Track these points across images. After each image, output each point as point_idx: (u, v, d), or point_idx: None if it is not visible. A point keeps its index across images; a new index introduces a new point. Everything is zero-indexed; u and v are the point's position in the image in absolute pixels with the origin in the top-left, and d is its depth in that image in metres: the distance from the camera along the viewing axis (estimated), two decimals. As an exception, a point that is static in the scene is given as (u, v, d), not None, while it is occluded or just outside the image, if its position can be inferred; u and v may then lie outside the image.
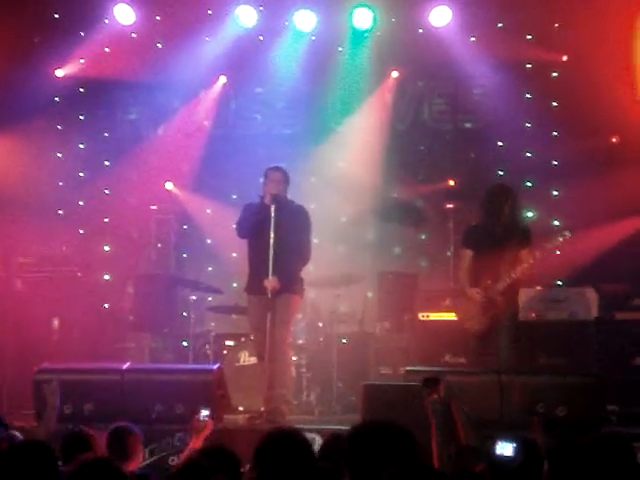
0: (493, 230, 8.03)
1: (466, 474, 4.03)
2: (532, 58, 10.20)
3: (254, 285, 7.82)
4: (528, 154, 10.25)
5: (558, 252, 8.66)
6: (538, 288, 9.04)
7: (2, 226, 9.98)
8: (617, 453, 3.84)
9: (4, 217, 9.97)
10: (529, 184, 10.22)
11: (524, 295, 8.52)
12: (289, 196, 7.93)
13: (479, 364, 7.89)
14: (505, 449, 3.76)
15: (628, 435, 5.78)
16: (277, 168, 7.97)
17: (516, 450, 3.73)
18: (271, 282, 7.58)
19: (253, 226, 7.77)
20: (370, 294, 10.11)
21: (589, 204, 9.55)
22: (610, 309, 8.66)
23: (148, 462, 5.82)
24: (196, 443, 5.31)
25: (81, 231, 10.60)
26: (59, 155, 10.80)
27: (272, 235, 7.50)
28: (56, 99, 10.57)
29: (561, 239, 7.81)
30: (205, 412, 5.51)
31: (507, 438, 3.78)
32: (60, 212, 10.65)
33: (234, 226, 7.97)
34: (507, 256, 7.88)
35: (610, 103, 9.34)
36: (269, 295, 7.58)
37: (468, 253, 8.15)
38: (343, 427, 6.47)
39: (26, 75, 9.80)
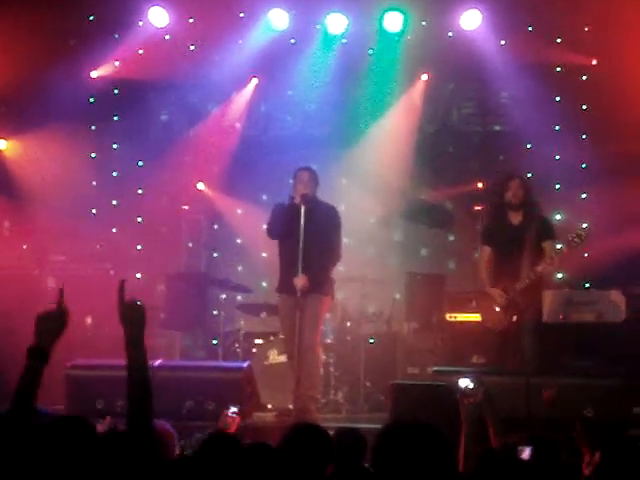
0: (511, 222, 8.05)
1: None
2: (562, 61, 10.22)
3: (284, 284, 7.91)
4: (557, 157, 10.27)
5: (586, 254, 8.73)
6: (565, 290, 9.08)
7: (36, 225, 10.15)
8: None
9: (38, 216, 10.14)
10: (558, 187, 10.26)
11: (551, 297, 8.55)
12: (319, 197, 8.00)
13: (500, 364, 7.92)
14: (524, 452, 3.83)
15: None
16: (306, 168, 8.04)
17: (533, 453, 3.78)
18: (300, 280, 7.64)
19: (283, 226, 7.83)
20: (398, 295, 10.17)
21: (617, 207, 9.56)
22: (638, 311, 8.68)
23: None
24: None
25: (114, 230, 10.73)
26: (93, 155, 10.93)
27: (302, 235, 7.58)
28: (91, 100, 10.70)
29: (576, 238, 7.72)
30: (234, 409, 5.62)
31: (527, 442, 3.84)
32: (94, 211, 10.78)
33: (264, 227, 8.06)
34: (528, 250, 7.87)
35: (637, 108, 9.35)
36: (298, 293, 7.67)
37: (487, 250, 8.16)
38: (371, 426, 6.57)
39: (62, 77, 9.91)
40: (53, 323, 3.56)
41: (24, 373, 3.48)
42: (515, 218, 8.06)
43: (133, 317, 3.52)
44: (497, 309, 7.93)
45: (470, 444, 4.72)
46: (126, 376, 3.48)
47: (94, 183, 10.88)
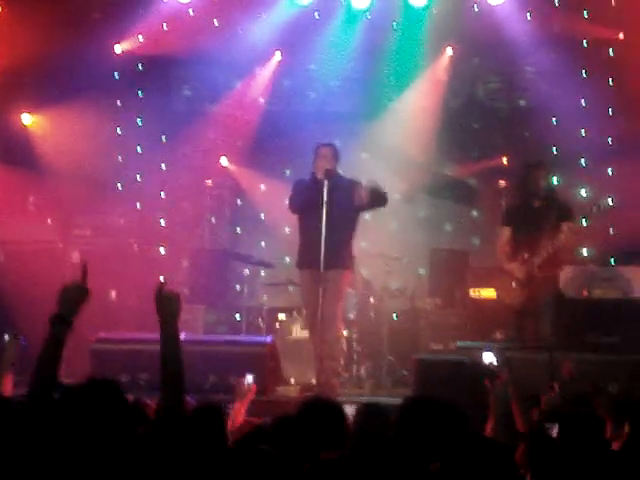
0: (532, 205, 8.08)
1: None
2: (588, 35, 10.12)
3: (305, 259, 7.92)
4: (583, 132, 10.19)
5: (611, 230, 8.66)
6: (590, 266, 9.03)
7: (61, 199, 10.20)
8: None
9: (63, 190, 10.18)
10: (583, 163, 10.18)
11: (576, 272, 8.53)
12: (341, 172, 7.99)
13: (518, 339, 7.93)
14: (552, 430, 3.82)
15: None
16: (328, 144, 8.02)
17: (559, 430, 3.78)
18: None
19: (305, 201, 7.84)
20: (422, 270, 10.15)
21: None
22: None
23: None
24: (239, 406, 5.45)
25: (138, 205, 10.75)
26: (118, 130, 10.95)
27: (325, 209, 7.57)
28: (115, 75, 10.71)
29: (597, 209, 7.77)
30: (250, 377, 5.65)
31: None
32: (119, 186, 10.81)
33: (286, 201, 8.08)
34: (546, 230, 7.91)
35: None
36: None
37: (506, 230, 8.21)
38: (393, 400, 6.57)
39: (86, 51, 9.91)
40: (76, 294, 3.59)
41: (46, 342, 3.50)
42: (536, 202, 8.12)
43: (170, 308, 3.55)
44: (514, 285, 7.93)
45: (500, 424, 4.71)
46: (160, 362, 3.51)
47: (119, 158, 10.89)
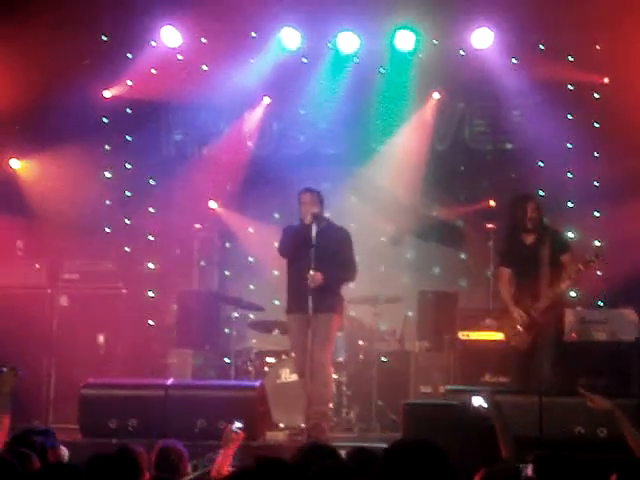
0: (524, 242, 8.08)
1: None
2: (573, 79, 10.22)
3: (294, 304, 7.93)
4: (569, 175, 10.27)
5: (599, 272, 8.71)
6: (578, 309, 9.06)
7: (50, 243, 10.19)
8: None
9: (52, 234, 10.17)
10: (570, 205, 10.24)
11: (567, 316, 8.56)
12: (330, 216, 8.03)
13: (522, 383, 7.91)
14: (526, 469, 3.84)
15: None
16: (309, 190, 8.08)
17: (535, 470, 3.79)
18: (317, 275, 7.64)
19: (295, 246, 7.88)
20: (410, 313, 10.16)
21: (630, 225, 9.54)
22: (651, 330, 8.66)
23: (191, 477, 5.92)
24: (226, 453, 5.42)
25: (127, 249, 10.75)
26: (107, 174, 10.97)
27: (313, 253, 7.60)
28: (104, 120, 10.76)
29: (594, 257, 7.82)
30: (238, 424, 5.62)
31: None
32: (107, 230, 10.81)
33: (276, 244, 8.10)
34: (545, 268, 7.90)
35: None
36: (310, 284, 7.62)
37: (506, 271, 8.21)
38: (383, 445, 6.54)
39: (75, 96, 9.96)
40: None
41: None
42: (528, 238, 8.13)
43: None
44: (520, 328, 7.93)
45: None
46: None
47: (108, 202, 10.90)
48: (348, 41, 10.37)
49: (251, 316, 10.45)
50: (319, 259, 7.63)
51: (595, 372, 8.42)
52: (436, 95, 10.73)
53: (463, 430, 5.30)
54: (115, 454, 5.03)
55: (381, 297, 9.48)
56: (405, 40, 10.23)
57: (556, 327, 8.02)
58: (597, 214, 10.20)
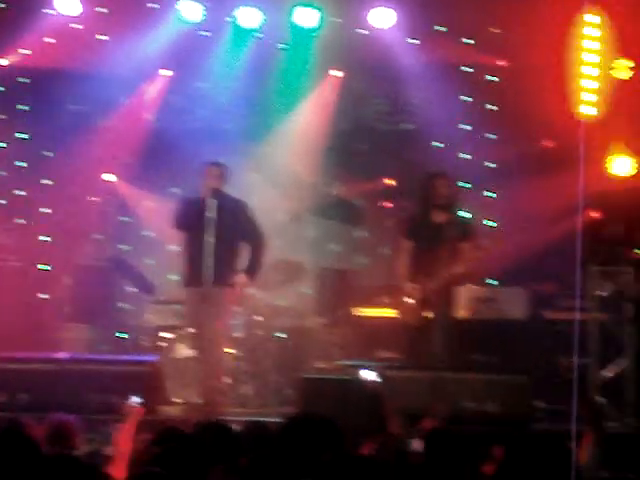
0: (433, 220, 8.14)
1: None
2: (471, 62, 10.40)
3: (190, 277, 7.91)
4: (464, 156, 10.45)
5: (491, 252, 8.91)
6: (471, 286, 9.25)
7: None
8: None
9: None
10: (465, 185, 10.43)
11: (458, 293, 8.72)
12: (230, 191, 8.02)
13: (414, 359, 8.03)
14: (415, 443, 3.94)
15: (555, 432, 6.00)
16: (217, 163, 8.06)
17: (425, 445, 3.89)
18: (242, 278, 7.71)
19: (189, 219, 7.85)
20: (309, 290, 10.23)
21: (523, 206, 9.79)
22: (539, 308, 8.91)
23: (84, 452, 5.87)
24: (125, 428, 5.42)
25: (21, 221, 10.52)
26: (2, 144, 10.71)
27: (211, 228, 7.58)
28: (0, 88, 10.49)
29: None
30: (136, 399, 5.64)
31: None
32: (1, 202, 10.56)
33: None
34: (445, 249, 7.96)
35: (545, 109, 9.55)
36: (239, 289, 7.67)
37: (407, 245, 8.24)
38: (279, 420, 6.59)
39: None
40: None
41: None
42: (438, 216, 8.13)
43: None
44: (412, 301, 8.01)
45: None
46: None
47: (1, 173, 10.64)
48: (249, 16, 10.28)
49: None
50: (216, 235, 7.61)
51: (485, 349, 8.64)
52: (337, 73, 10.77)
53: (354, 404, 5.39)
54: (5, 428, 4.96)
55: (280, 273, 9.51)
56: (307, 17, 10.20)
57: (448, 303, 8.15)
58: (491, 195, 10.42)
